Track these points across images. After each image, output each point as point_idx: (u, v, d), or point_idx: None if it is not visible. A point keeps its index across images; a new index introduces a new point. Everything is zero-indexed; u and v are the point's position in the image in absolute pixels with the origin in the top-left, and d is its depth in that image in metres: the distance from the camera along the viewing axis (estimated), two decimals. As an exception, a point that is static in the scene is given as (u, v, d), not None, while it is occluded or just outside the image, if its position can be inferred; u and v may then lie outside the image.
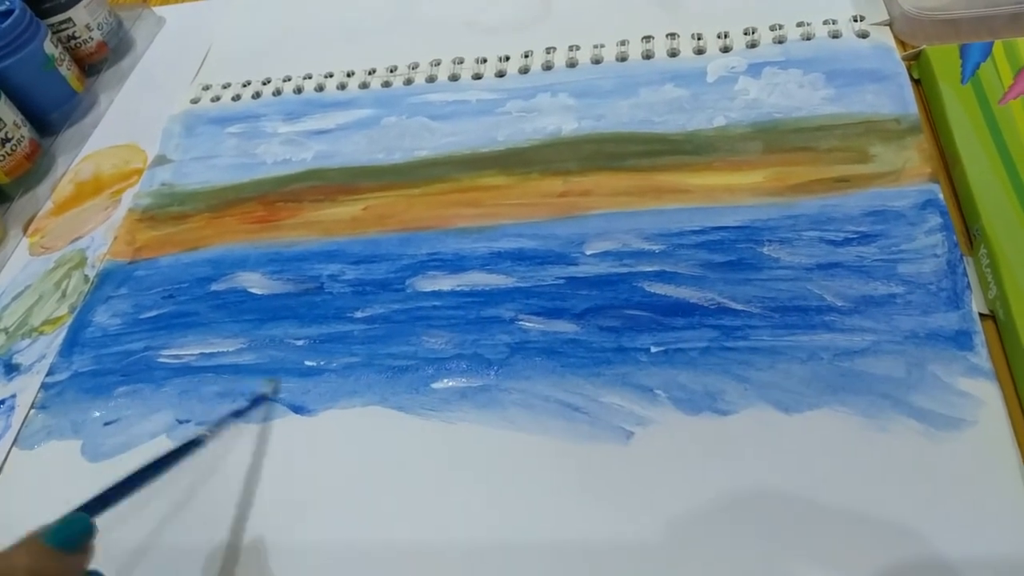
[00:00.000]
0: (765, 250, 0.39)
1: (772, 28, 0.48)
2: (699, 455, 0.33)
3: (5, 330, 0.46)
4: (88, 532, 0.26)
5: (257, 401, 0.39)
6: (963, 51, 0.42)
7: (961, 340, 0.34)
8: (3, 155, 0.52)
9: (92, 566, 0.27)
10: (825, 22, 0.47)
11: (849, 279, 0.37)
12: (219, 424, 0.37)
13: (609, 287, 0.39)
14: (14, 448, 0.41)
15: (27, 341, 0.45)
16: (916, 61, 0.44)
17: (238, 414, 0.38)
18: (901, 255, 0.37)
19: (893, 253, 0.37)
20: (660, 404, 0.35)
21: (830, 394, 0.34)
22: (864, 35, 0.46)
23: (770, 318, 0.36)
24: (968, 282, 0.35)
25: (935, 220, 0.38)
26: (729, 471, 0.32)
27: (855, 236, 0.38)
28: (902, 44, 0.46)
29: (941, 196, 0.38)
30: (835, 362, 0.34)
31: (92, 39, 0.59)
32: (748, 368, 0.35)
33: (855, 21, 0.47)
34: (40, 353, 0.45)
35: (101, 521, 0.28)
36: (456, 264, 0.42)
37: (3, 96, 0.51)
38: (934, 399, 0.32)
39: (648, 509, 0.32)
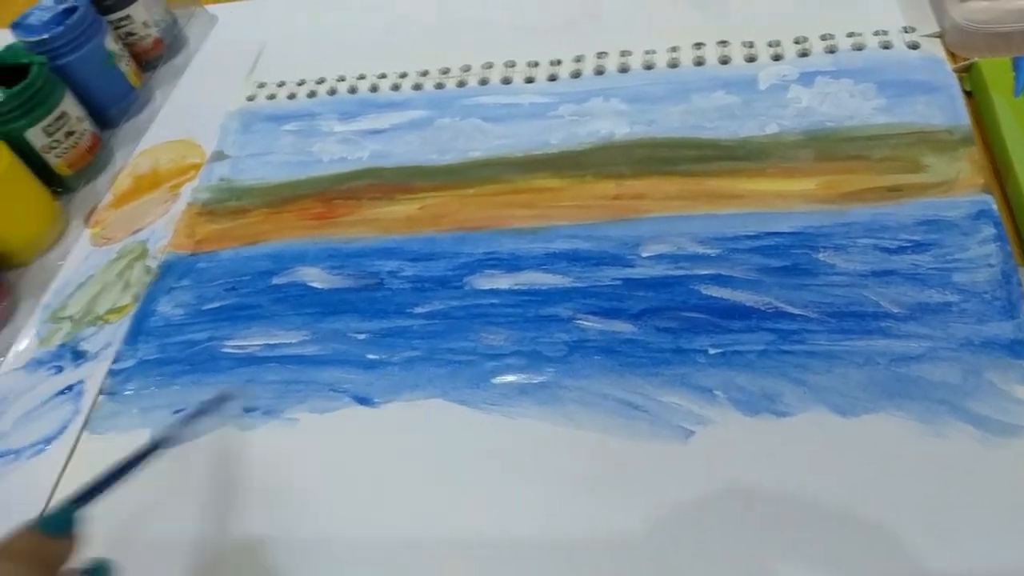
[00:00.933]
0: (820, 256, 0.40)
1: (823, 38, 0.49)
2: (757, 455, 0.34)
3: (71, 318, 0.48)
4: (72, 521, 0.29)
5: (219, 400, 0.39)
6: (1016, 64, 0.43)
7: (1016, 349, 0.35)
8: (67, 148, 0.53)
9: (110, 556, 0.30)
10: (876, 33, 0.48)
11: (904, 286, 0.38)
12: (184, 421, 0.38)
13: (665, 289, 0.40)
14: (84, 432, 0.42)
15: (92, 329, 0.47)
16: (968, 73, 0.45)
17: (201, 412, 0.39)
18: (955, 264, 0.38)
19: (947, 262, 0.38)
20: (719, 404, 0.36)
21: (887, 399, 0.34)
22: (915, 46, 0.47)
23: (827, 323, 0.37)
24: (1022, 292, 0.36)
25: (988, 231, 0.38)
26: (787, 472, 0.33)
27: (909, 244, 0.39)
28: (953, 56, 0.46)
29: (995, 207, 0.39)
30: (891, 367, 0.35)
31: (149, 35, 0.61)
32: (805, 371, 0.36)
33: (906, 32, 0.48)
34: (106, 341, 0.46)
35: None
36: (512, 263, 0.43)
37: (68, 91, 0.53)
38: (990, 405, 0.33)
39: (708, 507, 0.33)
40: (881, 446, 0.33)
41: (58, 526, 0.29)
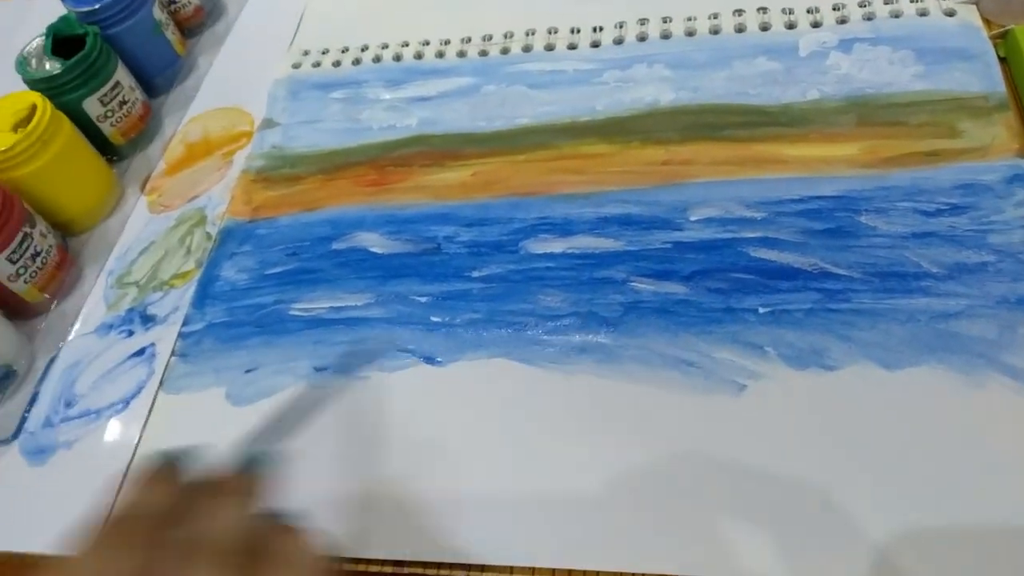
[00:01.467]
0: (862, 219, 0.42)
1: (861, 4, 0.50)
2: (808, 407, 0.37)
3: (136, 283, 0.50)
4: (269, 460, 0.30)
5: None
6: (1051, 31, 0.45)
7: (1050, 306, 0.37)
8: (121, 117, 0.54)
9: None
10: (912, 0, 0.49)
11: (943, 247, 0.40)
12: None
13: (715, 251, 0.42)
14: (160, 392, 0.45)
15: (159, 294, 0.49)
16: (1003, 39, 0.46)
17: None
18: (991, 226, 0.40)
19: (983, 224, 0.40)
20: (770, 360, 0.38)
21: (928, 353, 0.37)
22: (951, 13, 0.48)
23: (870, 282, 0.39)
24: (1055, 252, 0.38)
25: (1023, 194, 0.41)
26: (836, 422, 0.36)
27: (947, 207, 0.41)
28: (988, 24, 0.48)
29: (1029, 171, 0.41)
30: (932, 324, 0.38)
31: (190, 3, 0.62)
32: (851, 328, 0.38)
33: (942, -1, 0.49)
34: (173, 305, 0.48)
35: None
36: (565, 228, 0.45)
37: (119, 61, 0.54)
38: (1025, 358, 0.36)
39: (762, 457, 0.36)
40: (925, 397, 0.36)
41: (261, 464, 0.29)
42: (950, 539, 0.32)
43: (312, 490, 0.39)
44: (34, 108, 0.49)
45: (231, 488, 0.27)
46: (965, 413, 0.35)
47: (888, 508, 0.33)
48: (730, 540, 0.34)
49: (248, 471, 0.29)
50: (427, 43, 0.57)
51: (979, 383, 0.36)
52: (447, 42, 0.57)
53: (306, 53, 0.60)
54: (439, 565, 0.36)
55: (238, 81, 0.60)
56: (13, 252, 0.46)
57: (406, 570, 0.36)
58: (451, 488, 0.38)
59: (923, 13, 0.49)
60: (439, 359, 0.42)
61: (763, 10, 0.52)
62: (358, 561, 0.37)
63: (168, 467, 0.28)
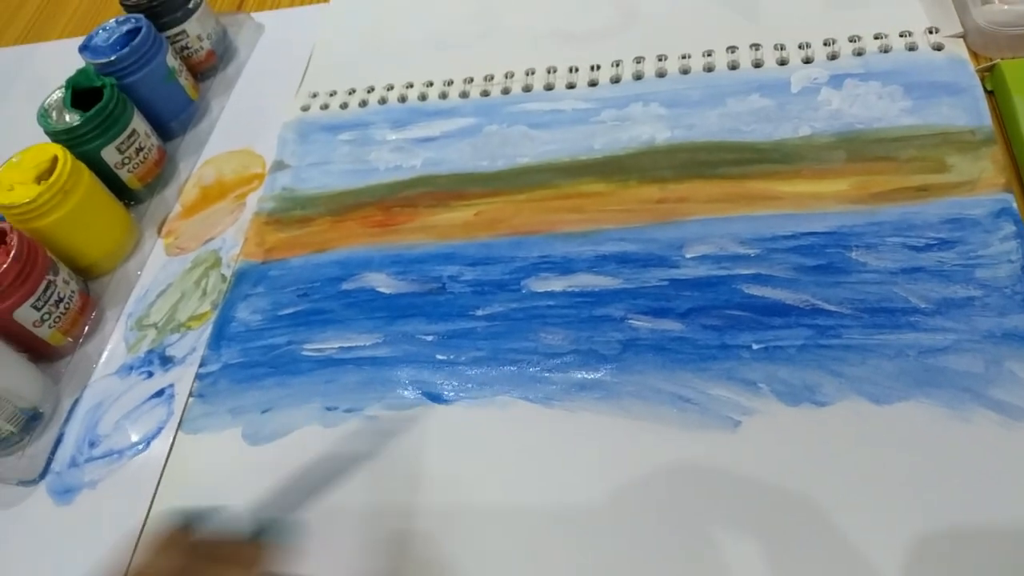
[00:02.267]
0: (853, 255, 0.43)
1: (851, 40, 0.51)
2: (801, 442, 0.38)
3: (155, 325, 0.52)
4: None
5: None
6: (1036, 66, 0.46)
7: (1035, 340, 0.38)
8: (138, 163, 0.57)
9: None
10: (901, 34, 0.51)
11: (931, 282, 0.41)
12: None
13: (710, 288, 0.44)
14: (179, 432, 0.47)
15: (177, 336, 0.51)
16: (990, 73, 0.47)
17: None
18: (978, 261, 0.41)
19: (971, 258, 0.41)
20: (763, 396, 0.40)
21: (916, 387, 0.38)
22: (939, 47, 0.50)
23: (860, 318, 0.41)
24: (1041, 287, 0.39)
25: (1009, 228, 0.42)
26: (828, 456, 0.37)
27: (935, 242, 0.42)
28: (975, 55, 0.49)
29: (1015, 205, 0.42)
30: (920, 359, 0.39)
31: (202, 48, 0.64)
32: (842, 364, 0.40)
33: (930, 33, 0.50)
34: (191, 346, 0.50)
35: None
36: (565, 266, 0.47)
37: (135, 110, 0.56)
38: (1011, 392, 0.37)
39: (758, 491, 0.37)
40: (913, 431, 0.37)
41: (271, 532, 0.31)
42: (939, 573, 0.34)
43: (318, 528, 0.41)
44: (56, 160, 0.51)
45: (238, 557, 0.28)
46: (952, 446, 0.36)
47: (880, 542, 0.35)
48: (725, 573, 0.35)
49: (258, 539, 0.30)
50: (431, 84, 0.59)
51: (965, 417, 0.37)
52: (450, 82, 0.59)
53: (314, 95, 0.62)
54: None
55: (249, 124, 0.62)
56: (37, 300, 0.48)
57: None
58: (455, 523, 0.39)
59: (912, 47, 0.50)
60: (445, 397, 0.44)
61: (756, 47, 0.53)
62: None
63: (180, 530, 0.29)
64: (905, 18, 0.52)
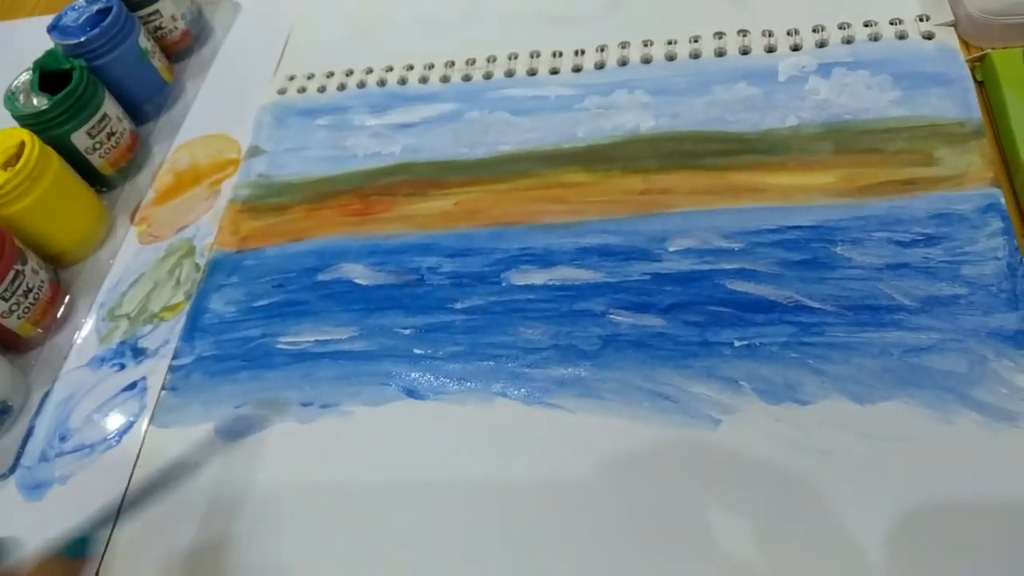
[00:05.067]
0: (838, 250, 0.42)
1: (840, 27, 0.50)
2: (782, 441, 0.37)
3: (127, 315, 0.51)
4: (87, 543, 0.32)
5: None
6: (1027, 57, 0.45)
7: (1020, 339, 0.37)
8: (109, 148, 0.55)
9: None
10: (892, 22, 0.50)
11: (916, 280, 0.40)
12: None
13: (692, 283, 0.43)
14: (151, 427, 0.46)
15: (149, 327, 0.50)
16: (980, 63, 0.46)
17: None
18: (964, 257, 0.40)
19: (957, 255, 0.41)
20: (745, 394, 0.39)
21: (900, 387, 0.37)
22: (929, 36, 0.48)
23: (844, 316, 0.40)
24: (1027, 285, 0.39)
25: (996, 224, 0.41)
26: (809, 456, 0.37)
27: (921, 238, 0.42)
28: (966, 45, 0.48)
29: (1003, 201, 0.41)
30: (904, 358, 0.38)
31: (177, 29, 0.62)
32: (824, 362, 0.39)
33: (920, 21, 0.49)
34: (164, 338, 0.49)
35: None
36: (546, 259, 0.46)
37: (107, 93, 0.55)
38: (994, 394, 0.36)
39: (738, 491, 0.37)
40: (895, 431, 0.36)
41: (76, 549, 0.31)
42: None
43: (290, 528, 0.40)
44: (23, 145, 0.49)
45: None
46: (933, 447, 0.36)
47: (861, 544, 0.34)
48: (705, 574, 0.35)
49: (60, 559, 0.30)
50: (411, 67, 0.57)
51: (947, 419, 0.36)
52: (431, 66, 0.57)
53: (291, 78, 0.60)
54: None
55: (225, 107, 0.60)
56: (5, 290, 0.47)
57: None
58: (433, 521, 0.39)
59: (902, 36, 0.49)
60: (423, 393, 0.43)
61: (743, 33, 0.52)
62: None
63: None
64: (895, 5, 0.50)
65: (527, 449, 0.40)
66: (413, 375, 0.43)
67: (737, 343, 0.40)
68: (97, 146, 0.54)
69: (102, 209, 0.55)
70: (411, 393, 0.43)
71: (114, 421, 0.46)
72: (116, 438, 0.46)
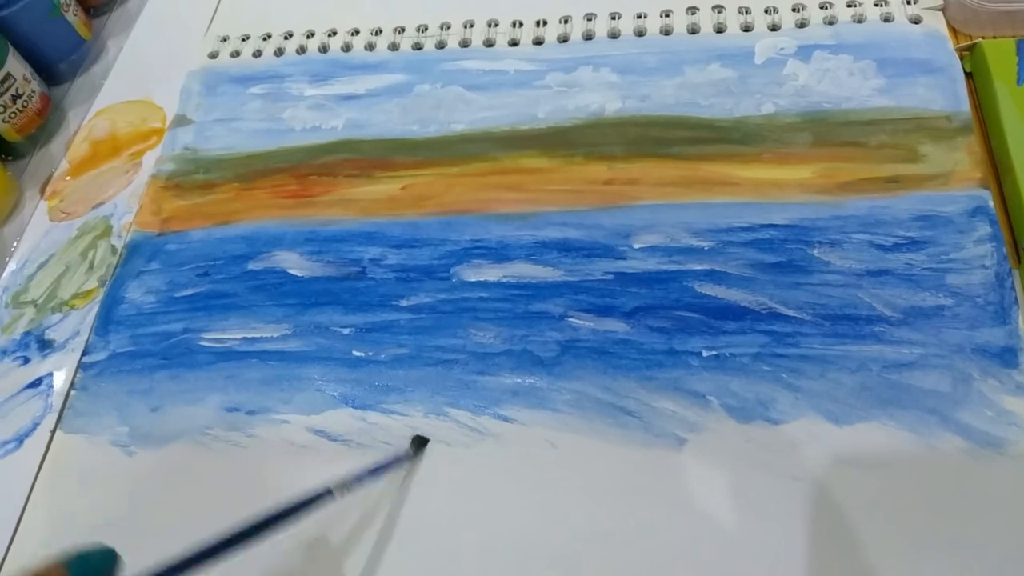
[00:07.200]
0: (815, 252, 0.39)
1: (822, 6, 0.47)
2: (752, 463, 0.34)
3: (34, 302, 0.46)
4: (112, 568, 0.26)
5: (399, 459, 0.36)
6: (1020, 48, 0.42)
7: (1007, 357, 0.35)
8: (15, 112, 0.49)
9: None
10: (876, 3, 0.46)
11: (898, 288, 0.37)
12: (353, 481, 0.33)
13: (659, 285, 0.39)
14: (58, 431, 0.41)
15: (58, 316, 0.45)
16: (970, 53, 0.43)
17: (377, 471, 0.35)
18: (950, 264, 0.38)
19: (942, 262, 0.38)
20: (713, 411, 0.36)
21: (879, 407, 0.35)
22: (917, 20, 0.45)
23: (820, 325, 0.37)
24: (1016, 297, 0.36)
25: (984, 229, 0.38)
26: (781, 480, 0.34)
27: (904, 242, 0.39)
28: (955, 34, 0.45)
29: (991, 204, 0.39)
30: (884, 374, 0.35)
31: (96, -21, 0.56)
32: (799, 376, 0.36)
33: (907, 3, 0.46)
34: (74, 329, 0.44)
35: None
36: (501, 253, 0.42)
37: (11, 49, 0.48)
38: (979, 416, 0.34)
39: (701, 515, 0.34)
40: (873, 455, 0.34)
41: (89, 570, 0.25)
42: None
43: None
44: (-91, 108, 0.44)
45: None
46: (912, 474, 0.33)
47: (835, 573, 0.32)
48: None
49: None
50: (356, 32, 0.52)
51: (929, 443, 0.34)
52: (378, 32, 0.52)
53: (224, 39, 0.54)
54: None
55: (150, 70, 0.54)
56: None
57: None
58: (377, 542, 0.35)
59: (887, 18, 0.46)
60: (362, 400, 0.39)
61: (718, 9, 0.48)
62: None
63: None
64: (881, -16, 0.47)
65: (474, 464, 0.36)
66: (352, 380, 0.39)
67: (705, 353, 0.37)
68: (1, 110, 0.48)
69: (7, 180, 0.49)
70: (349, 400, 0.39)
71: (15, 423, 0.42)
72: (17, 442, 0.41)
